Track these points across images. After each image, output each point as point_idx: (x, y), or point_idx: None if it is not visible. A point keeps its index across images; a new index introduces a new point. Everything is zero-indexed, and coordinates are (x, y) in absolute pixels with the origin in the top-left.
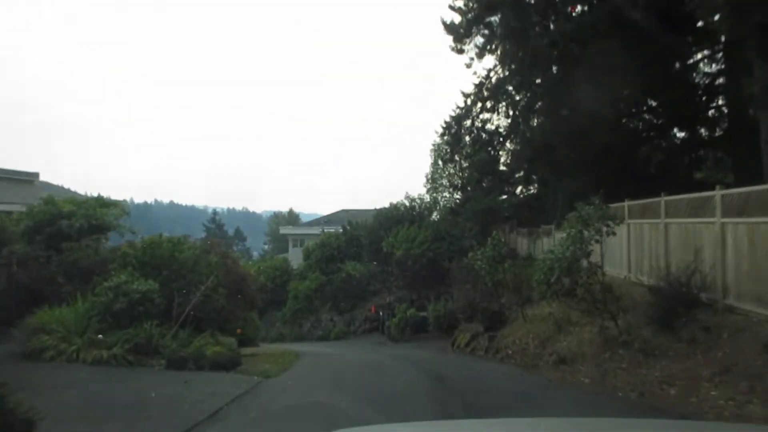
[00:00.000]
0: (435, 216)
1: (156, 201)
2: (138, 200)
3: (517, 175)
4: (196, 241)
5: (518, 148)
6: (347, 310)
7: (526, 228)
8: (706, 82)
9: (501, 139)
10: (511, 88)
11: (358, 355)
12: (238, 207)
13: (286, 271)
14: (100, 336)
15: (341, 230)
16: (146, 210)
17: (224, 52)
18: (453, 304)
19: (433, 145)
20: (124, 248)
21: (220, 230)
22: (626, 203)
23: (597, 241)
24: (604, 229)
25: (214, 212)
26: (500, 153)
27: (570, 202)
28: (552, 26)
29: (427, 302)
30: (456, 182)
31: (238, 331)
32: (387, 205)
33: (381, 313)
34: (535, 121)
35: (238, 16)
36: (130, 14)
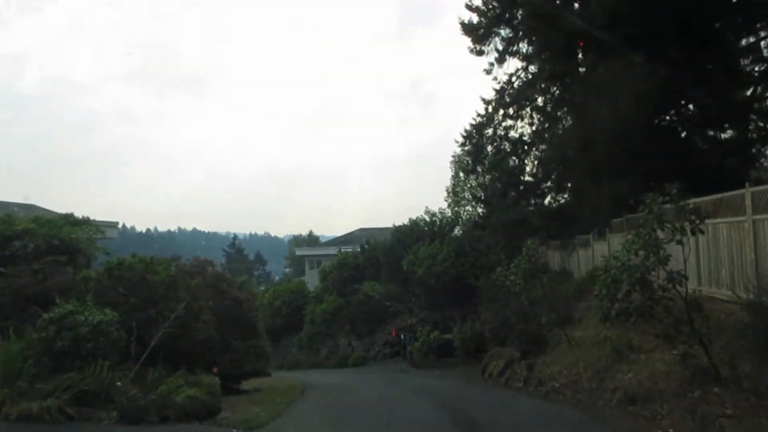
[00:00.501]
0: (457, 231)
1: (179, 229)
2: (162, 228)
3: (544, 186)
4: (187, 263)
5: (546, 153)
6: (366, 334)
7: (558, 240)
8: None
9: (525, 147)
10: (538, 88)
11: (374, 387)
12: (260, 232)
13: (302, 293)
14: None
15: (359, 249)
16: (170, 238)
17: (241, 79)
18: (481, 325)
19: (454, 156)
20: (86, 272)
21: (240, 255)
22: (691, 201)
23: (679, 242)
24: (688, 227)
25: (234, 237)
26: (525, 162)
27: (612, 206)
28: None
29: (452, 324)
30: (479, 194)
31: (215, 369)
32: (406, 221)
33: (402, 337)
34: (564, 122)
35: (248, 48)
36: (137, 49)
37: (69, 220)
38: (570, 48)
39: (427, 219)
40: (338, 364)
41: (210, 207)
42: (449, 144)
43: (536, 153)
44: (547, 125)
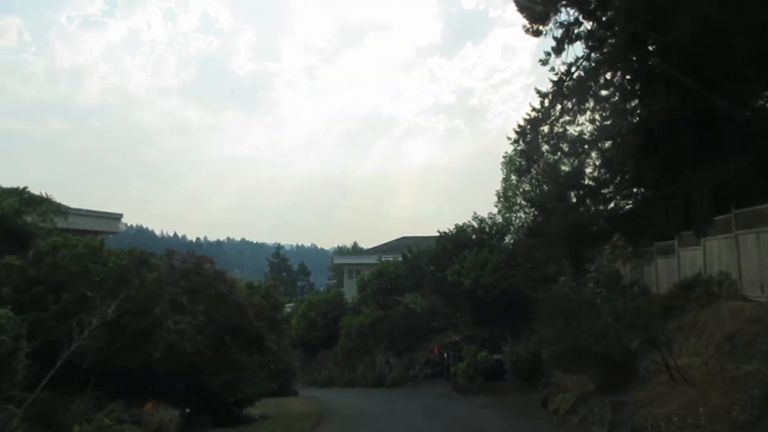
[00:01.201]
0: (509, 239)
1: (228, 238)
2: (211, 238)
3: (607, 191)
4: (178, 259)
5: (617, 145)
6: (406, 351)
7: (630, 248)
8: None
9: (586, 146)
10: (602, 76)
11: (410, 421)
12: (307, 244)
13: (339, 304)
14: None
15: (400, 259)
16: (218, 247)
17: (289, 92)
18: (537, 345)
19: (505, 156)
20: (9, 258)
21: (284, 265)
22: None
23: None
24: None
25: (278, 247)
26: (586, 163)
27: (712, 199)
28: None
29: (501, 343)
30: (533, 199)
31: (147, 406)
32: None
33: (446, 356)
34: (632, 116)
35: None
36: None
37: (22, 197)
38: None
39: (475, 225)
40: (375, 383)
41: (258, 218)
42: (495, 158)
43: (598, 152)
44: (611, 121)
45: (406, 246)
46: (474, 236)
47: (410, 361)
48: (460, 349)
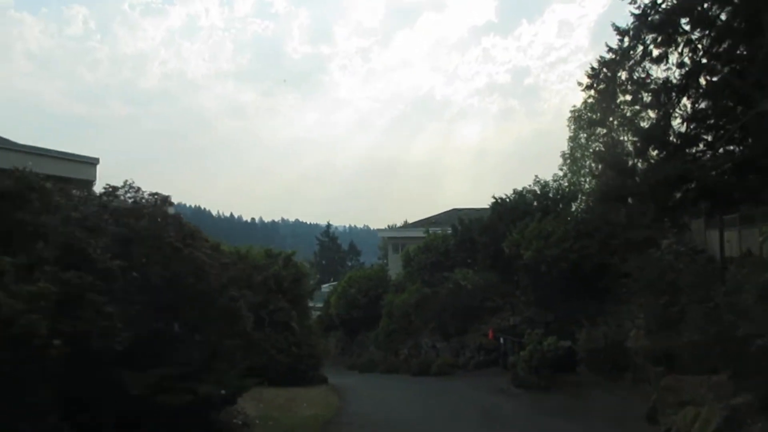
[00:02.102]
0: (577, 205)
1: (282, 219)
2: (266, 219)
3: (696, 149)
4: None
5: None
6: (455, 334)
7: (737, 213)
8: None
9: (674, 94)
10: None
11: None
12: (360, 225)
13: (382, 281)
14: None
15: (450, 231)
16: (273, 228)
17: (343, 74)
18: (616, 330)
19: (572, 111)
20: None
21: (334, 244)
22: None
23: None
24: None
25: (328, 225)
26: (673, 114)
27: None
28: None
29: (572, 326)
30: (609, 156)
31: None
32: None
33: (502, 341)
34: None
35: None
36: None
37: None
38: None
39: (537, 190)
40: (419, 369)
41: (312, 200)
42: (551, 138)
43: (690, 100)
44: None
45: (456, 218)
46: (535, 202)
47: (460, 346)
48: (520, 334)
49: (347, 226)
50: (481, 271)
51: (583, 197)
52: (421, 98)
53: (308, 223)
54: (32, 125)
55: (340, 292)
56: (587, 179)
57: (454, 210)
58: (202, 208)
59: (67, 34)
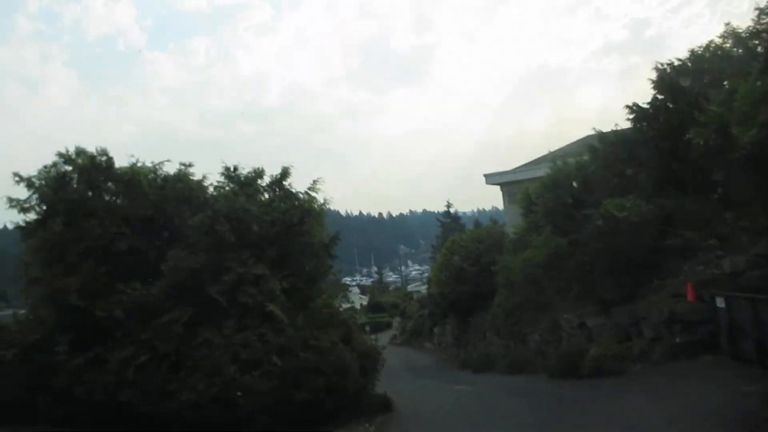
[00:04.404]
0: None
1: (410, 211)
2: (394, 213)
3: None
4: None
5: None
6: (617, 302)
7: None
8: None
9: None
10: None
11: None
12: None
13: (497, 241)
14: None
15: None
16: (401, 220)
17: (450, 62)
18: None
19: None
20: None
21: (457, 224)
22: None
23: None
24: None
25: (448, 205)
26: None
27: None
28: None
29: None
30: None
31: None
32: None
33: (721, 303)
34: None
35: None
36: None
37: None
38: None
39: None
40: (561, 367)
41: (436, 188)
42: None
43: None
44: None
45: (589, 146)
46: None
47: (630, 321)
48: (754, 287)
49: (475, 210)
50: (650, 195)
51: None
52: (534, 71)
53: (435, 212)
54: (169, 152)
55: (441, 264)
56: None
57: (588, 137)
58: (331, 209)
59: (192, 65)
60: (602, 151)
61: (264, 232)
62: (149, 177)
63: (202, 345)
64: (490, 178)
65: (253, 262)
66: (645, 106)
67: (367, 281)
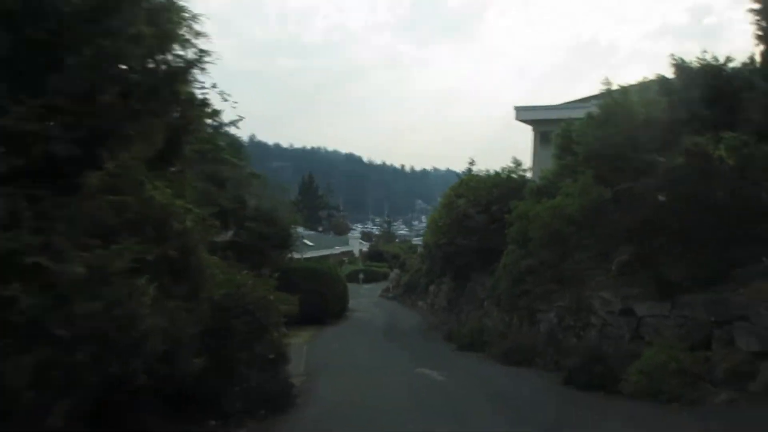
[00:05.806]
0: None
1: (434, 168)
2: (417, 168)
3: None
4: None
5: None
6: (690, 286)
7: None
8: None
9: None
10: None
11: None
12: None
13: (517, 189)
14: None
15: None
16: (423, 176)
17: (497, 22)
18: None
19: None
20: None
21: None
22: None
23: None
24: None
25: (471, 161)
26: None
27: None
28: None
29: None
30: None
31: None
32: None
33: None
34: None
35: None
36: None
37: None
38: None
39: None
40: (587, 372)
41: (464, 149)
42: None
43: None
44: None
45: (660, 79)
46: None
47: (711, 317)
48: None
49: (496, 171)
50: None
51: None
52: (583, 44)
53: (459, 172)
54: (209, 81)
55: (441, 206)
56: None
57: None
58: (355, 154)
59: None
60: (682, 83)
61: None
62: None
63: None
64: (522, 113)
65: None
66: None
67: (378, 231)
